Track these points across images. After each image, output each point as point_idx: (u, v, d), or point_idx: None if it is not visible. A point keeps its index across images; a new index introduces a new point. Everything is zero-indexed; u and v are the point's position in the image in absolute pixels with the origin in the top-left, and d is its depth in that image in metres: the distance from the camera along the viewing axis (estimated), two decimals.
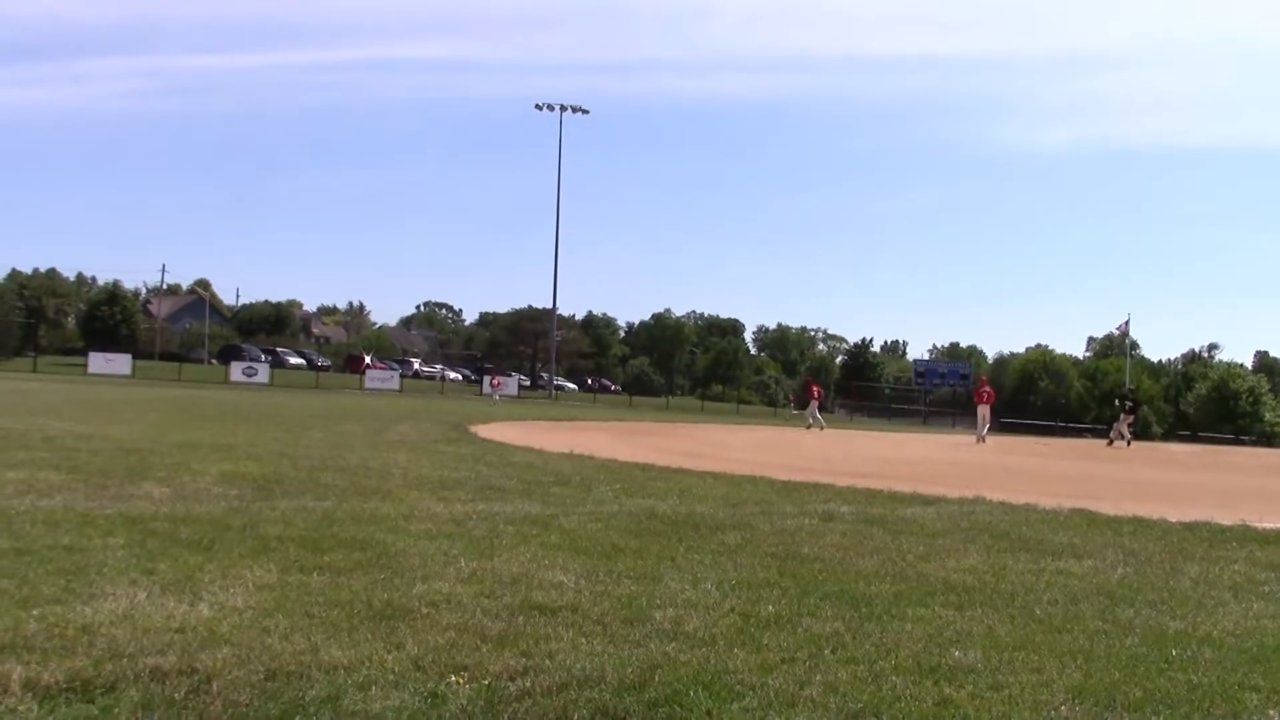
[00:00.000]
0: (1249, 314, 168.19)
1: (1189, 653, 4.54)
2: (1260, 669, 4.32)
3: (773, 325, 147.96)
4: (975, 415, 34.07)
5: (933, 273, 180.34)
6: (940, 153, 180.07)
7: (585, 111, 78.74)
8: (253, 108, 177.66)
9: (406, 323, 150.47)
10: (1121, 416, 35.24)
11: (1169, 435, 77.56)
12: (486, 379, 68.62)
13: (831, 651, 4.34)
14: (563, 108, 77.04)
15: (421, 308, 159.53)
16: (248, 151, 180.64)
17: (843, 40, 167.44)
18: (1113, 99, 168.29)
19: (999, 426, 43.84)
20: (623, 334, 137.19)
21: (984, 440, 31.72)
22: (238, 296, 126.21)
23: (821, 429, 37.49)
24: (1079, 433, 67.94)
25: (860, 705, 3.66)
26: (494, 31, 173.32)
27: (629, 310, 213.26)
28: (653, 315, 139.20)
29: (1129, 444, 33.79)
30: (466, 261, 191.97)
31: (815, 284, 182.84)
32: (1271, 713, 3.73)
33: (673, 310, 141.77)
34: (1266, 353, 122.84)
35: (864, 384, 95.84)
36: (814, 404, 41.29)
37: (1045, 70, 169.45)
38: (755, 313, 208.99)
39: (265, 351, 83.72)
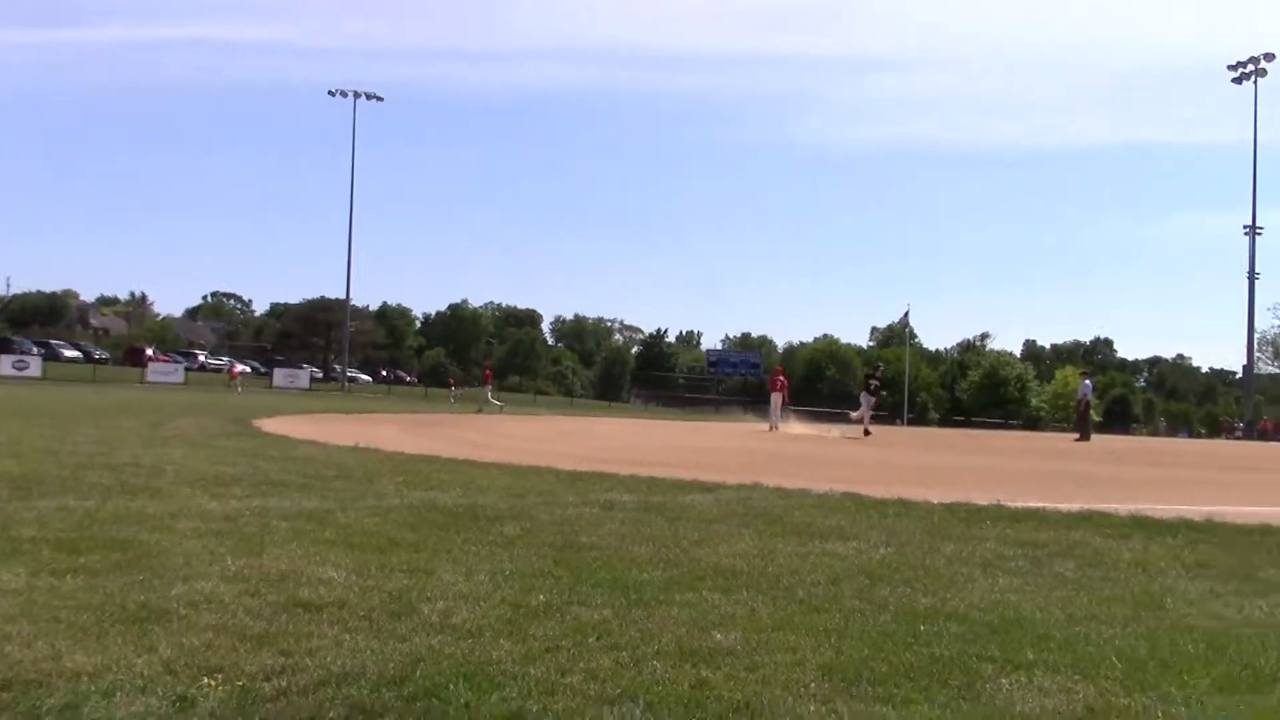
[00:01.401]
0: (1018, 305, 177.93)
1: (936, 627, 4.78)
2: (998, 640, 4.59)
3: (570, 316, 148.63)
4: (768, 404, 34.92)
5: (726, 264, 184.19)
6: (735, 148, 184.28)
7: (379, 99, 77.26)
8: (24, 86, 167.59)
9: (192, 314, 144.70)
10: (864, 397, 31.57)
11: (945, 421, 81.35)
12: (228, 366, 66.86)
13: (596, 639, 4.39)
14: (356, 94, 75.43)
15: (209, 298, 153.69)
16: (21, 132, 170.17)
17: (646, 34, 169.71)
18: (899, 99, 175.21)
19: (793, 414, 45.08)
20: (419, 325, 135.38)
21: (777, 428, 32.62)
22: (8, 286, 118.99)
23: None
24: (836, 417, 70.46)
25: (619, 690, 3.72)
26: (290, 14, 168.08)
27: (425, 301, 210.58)
28: (449, 306, 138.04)
29: (866, 433, 30.31)
30: (256, 251, 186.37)
31: (613, 275, 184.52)
32: (1004, 681, 3.96)
33: (470, 301, 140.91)
34: (1034, 341, 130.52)
35: (659, 374, 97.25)
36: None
37: (838, 70, 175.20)
38: (553, 303, 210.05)
39: (38, 344, 79.24)
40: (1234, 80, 65.07)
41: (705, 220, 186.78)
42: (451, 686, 3.69)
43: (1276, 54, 64.03)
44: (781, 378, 35.96)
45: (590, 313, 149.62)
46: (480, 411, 37.34)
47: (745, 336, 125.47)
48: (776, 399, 34.10)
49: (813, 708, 3.60)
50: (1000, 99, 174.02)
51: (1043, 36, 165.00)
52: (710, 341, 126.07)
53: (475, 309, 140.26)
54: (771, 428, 32.75)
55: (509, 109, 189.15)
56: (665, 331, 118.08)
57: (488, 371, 44.46)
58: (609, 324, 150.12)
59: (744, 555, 6.54)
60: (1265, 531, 7.89)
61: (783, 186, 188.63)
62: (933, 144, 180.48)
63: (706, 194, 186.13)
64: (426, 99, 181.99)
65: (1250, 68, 64.10)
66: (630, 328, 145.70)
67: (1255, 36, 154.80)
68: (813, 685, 3.84)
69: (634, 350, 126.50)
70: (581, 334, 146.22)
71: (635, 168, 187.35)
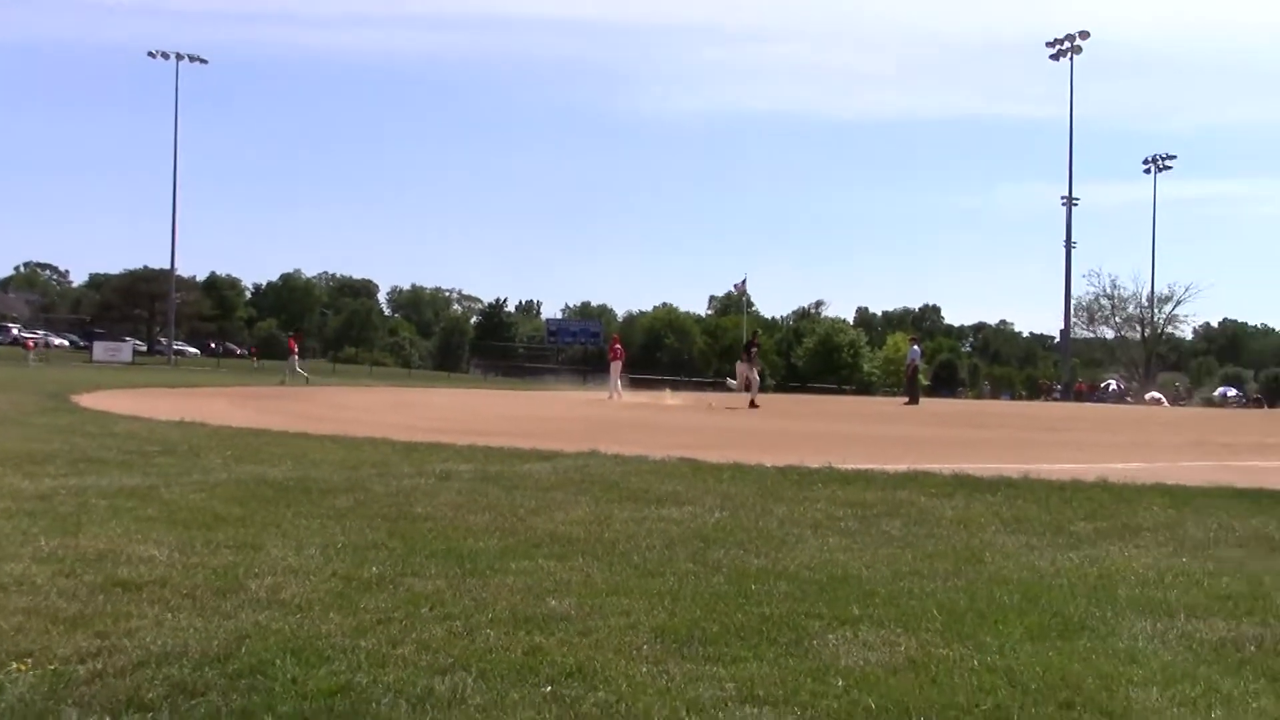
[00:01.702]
0: (851, 273, 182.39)
1: (767, 587, 4.88)
2: (826, 597, 4.71)
3: (407, 286, 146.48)
4: (608, 372, 35.03)
5: (562, 233, 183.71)
6: (573, 115, 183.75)
7: (203, 61, 74.30)
8: None
9: (3, 285, 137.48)
10: (740, 365, 30.09)
11: (781, 387, 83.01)
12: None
13: (429, 610, 4.35)
14: (179, 56, 72.37)
15: (22, 268, 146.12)
16: None
17: (501, 3, 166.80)
18: (734, 69, 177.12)
19: (630, 383, 45.39)
20: (249, 296, 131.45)
21: (620, 396, 32.77)
22: None
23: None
24: (701, 386, 71.50)
25: (451, 660, 3.69)
26: None
27: (256, 271, 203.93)
28: (281, 276, 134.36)
29: (753, 405, 27.92)
30: (73, 220, 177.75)
31: (450, 244, 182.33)
32: (830, 636, 4.07)
33: (303, 271, 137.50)
34: (866, 308, 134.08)
35: (499, 344, 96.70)
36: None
37: (674, 37, 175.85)
38: (389, 273, 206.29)
39: None
40: (1052, 57, 67.65)
41: (543, 189, 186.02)
42: (278, 662, 3.60)
43: (1092, 32, 66.84)
44: (619, 346, 36.16)
45: (428, 283, 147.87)
46: (284, 383, 36.36)
47: (585, 305, 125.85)
48: (616, 367, 34.32)
49: (645, 669, 3.63)
50: (832, 70, 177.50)
51: (873, 9, 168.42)
52: (550, 311, 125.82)
53: (308, 279, 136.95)
54: (610, 396, 32.90)
55: (338, 74, 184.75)
56: (504, 301, 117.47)
57: (292, 341, 43.45)
58: (447, 294, 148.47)
59: (580, 522, 6.56)
60: (1077, 488, 8.27)
61: (620, 155, 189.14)
62: (767, 114, 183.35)
63: (544, 162, 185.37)
64: (254, 63, 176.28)
65: (1067, 45, 66.69)
66: (469, 298, 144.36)
67: (1073, 14, 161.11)
68: (645, 648, 3.87)
69: (473, 320, 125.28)
70: (419, 304, 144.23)
71: (470, 134, 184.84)
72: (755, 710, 3.27)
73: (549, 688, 3.45)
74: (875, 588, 4.92)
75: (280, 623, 4.09)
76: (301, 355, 43.90)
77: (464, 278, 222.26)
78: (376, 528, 6.19)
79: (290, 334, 47.18)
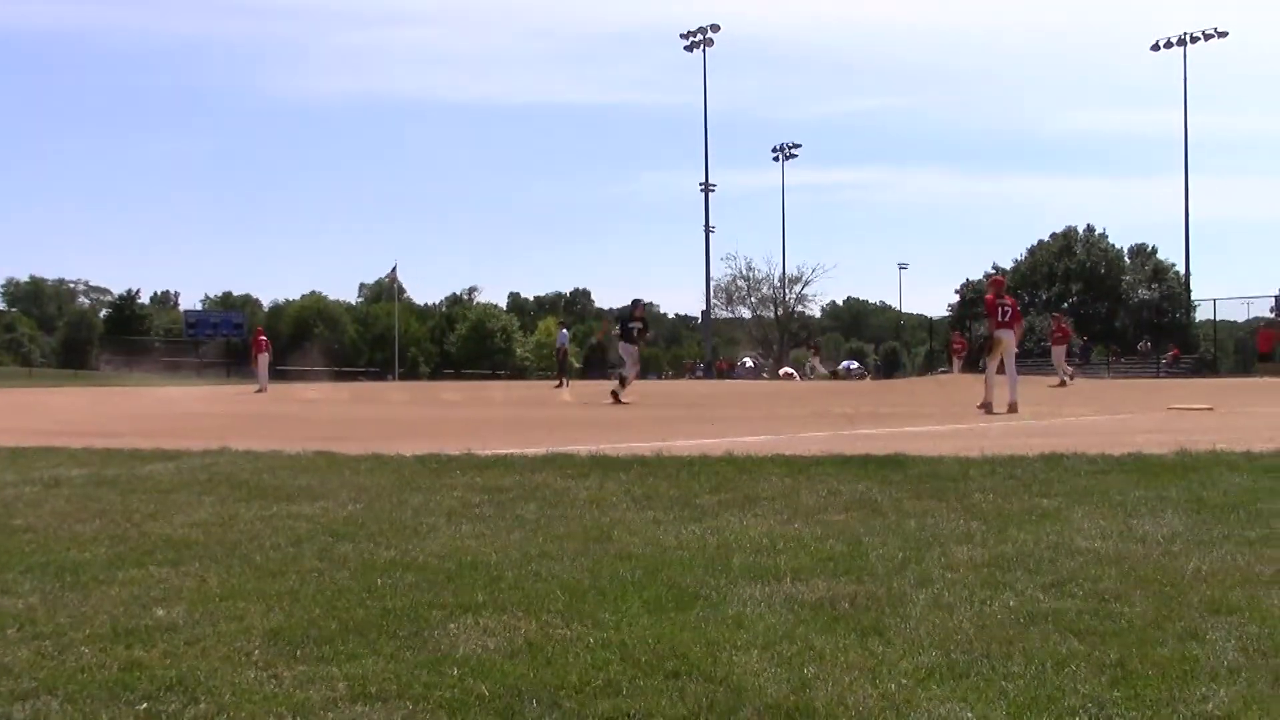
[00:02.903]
0: (503, 259, 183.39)
1: (393, 580, 4.79)
2: (453, 586, 4.68)
3: (25, 278, 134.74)
4: (254, 365, 33.91)
5: (203, 221, 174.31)
6: (207, 96, 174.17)
7: None
8: None
9: None
10: (624, 347, 23.98)
11: (435, 374, 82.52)
12: None
13: (17, 630, 3.99)
14: None
15: None
16: None
17: None
18: (382, 52, 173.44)
19: (275, 375, 43.81)
20: None
21: (265, 390, 31.79)
22: None
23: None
24: (354, 376, 69.97)
25: (35, 683, 3.40)
26: None
27: None
28: None
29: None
30: None
31: (73, 232, 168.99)
32: (451, 625, 4.04)
33: None
34: (519, 293, 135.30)
35: (132, 338, 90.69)
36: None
37: (313, 21, 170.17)
38: (2, 264, 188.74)
39: None
40: (686, 48, 70.50)
41: (178, 174, 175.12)
42: None
43: (722, 25, 70.12)
44: (264, 338, 34.96)
45: (49, 274, 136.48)
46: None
47: (227, 296, 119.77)
48: (264, 359, 33.23)
49: (253, 675, 3.48)
50: (475, 56, 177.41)
51: None
52: (189, 302, 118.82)
53: None
54: (260, 389, 31.82)
55: None
56: (138, 292, 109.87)
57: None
58: (71, 285, 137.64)
59: (202, 524, 6.23)
60: (704, 462, 8.64)
61: (260, 139, 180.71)
62: (412, 98, 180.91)
63: (178, 146, 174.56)
64: None
65: (700, 37, 69.68)
66: (97, 289, 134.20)
67: (705, 6, 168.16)
68: (256, 653, 3.71)
69: (102, 314, 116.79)
70: (40, 297, 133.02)
71: (92, 114, 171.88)
72: (366, 708, 3.20)
73: (145, 704, 3.24)
74: (503, 572, 4.94)
75: None
76: None
77: (90, 268, 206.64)
78: None
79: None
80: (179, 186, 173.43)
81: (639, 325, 22.75)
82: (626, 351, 22.71)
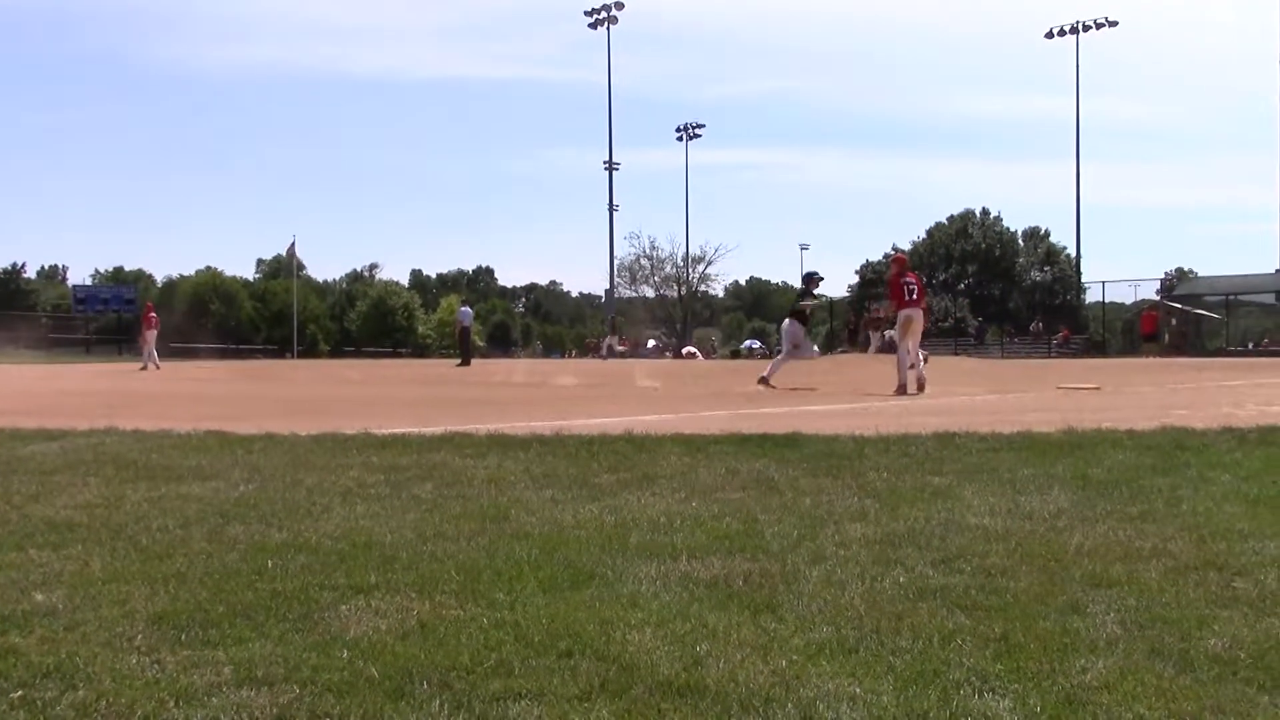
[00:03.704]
0: (404, 235, 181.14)
1: (284, 561, 4.70)
2: (345, 567, 4.61)
3: None
4: (142, 342, 33.30)
5: (94, 193, 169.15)
6: (91, 64, 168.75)
7: None
8: None
9: None
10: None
11: (335, 352, 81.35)
12: None
13: None
14: None
15: None
16: None
17: None
18: (278, 22, 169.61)
19: (169, 351, 42.87)
20: None
21: (158, 367, 31.14)
22: None
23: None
24: (250, 354, 68.70)
25: None
26: None
27: None
28: None
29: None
30: None
31: None
32: (343, 607, 3.98)
33: None
34: (421, 270, 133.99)
35: (18, 313, 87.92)
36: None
37: None
38: None
39: None
40: (590, 25, 70.29)
41: (65, 145, 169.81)
42: None
43: (626, 3, 69.97)
44: (153, 314, 34.23)
45: None
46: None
47: (118, 270, 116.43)
48: (151, 336, 32.53)
49: (135, 660, 3.39)
50: (373, 28, 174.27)
51: None
52: (78, 277, 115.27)
53: None
54: (144, 367, 31.13)
55: None
56: (23, 266, 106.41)
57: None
58: None
59: (86, 506, 6.05)
60: (603, 440, 8.64)
61: (151, 109, 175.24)
62: (307, 71, 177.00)
63: (64, 116, 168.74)
64: None
65: (604, 15, 69.52)
66: None
67: None
68: (139, 638, 3.61)
69: None
70: None
71: None
72: (252, 692, 3.13)
73: (20, 692, 3.14)
74: (397, 553, 4.88)
75: None
76: None
77: None
78: None
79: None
80: (67, 157, 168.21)
81: (812, 303, 20.72)
82: (796, 334, 19.59)
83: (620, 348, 50.31)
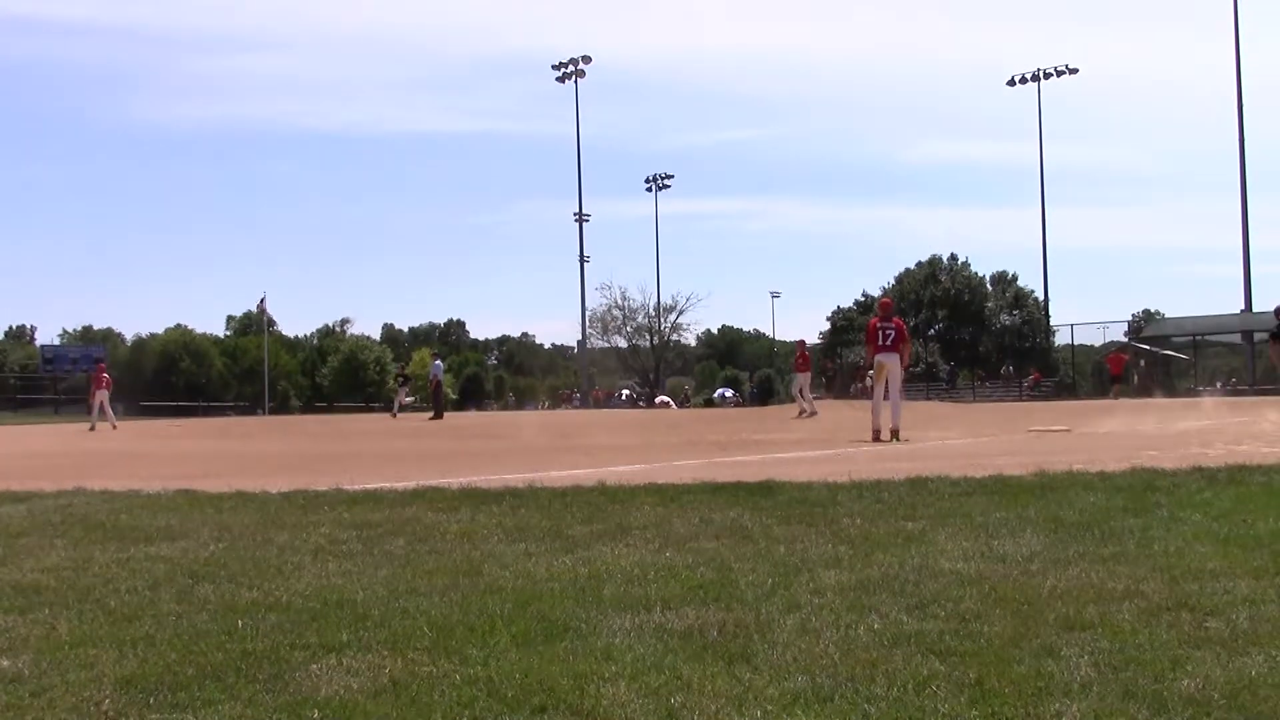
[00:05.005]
0: (375, 289, 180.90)
1: (255, 621, 4.65)
2: (317, 626, 4.56)
3: None
4: (93, 401, 33.33)
5: (61, 251, 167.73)
6: (59, 122, 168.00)
7: None
8: None
9: None
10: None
11: (307, 408, 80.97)
12: None
13: None
14: None
15: None
16: None
17: None
18: (241, 79, 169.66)
19: (139, 410, 42.65)
20: None
21: (114, 426, 31.02)
22: None
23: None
24: (222, 411, 68.29)
25: None
26: None
27: None
28: None
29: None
30: None
31: None
32: (314, 666, 3.93)
33: None
34: (392, 324, 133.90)
35: None
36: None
37: (171, 45, 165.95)
38: None
39: None
40: (558, 79, 70.86)
41: (29, 203, 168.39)
42: None
43: (594, 57, 70.66)
44: (104, 375, 34.29)
45: None
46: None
47: (87, 330, 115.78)
48: (102, 395, 32.55)
49: None
50: (337, 83, 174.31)
51: (380, 22, 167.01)
52: (46, 336, 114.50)
53: None
54: (91, 427, 31.05)
55: None
56: None
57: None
58: None
59: (53, 569, 5.98)
60: (577, 492, 8.62)
61: (119, 167, 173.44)
62: (276, 127, 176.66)
63: (29, 174, 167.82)
64: None
65: (571, 68, 70.13)
66: None
67: (575, 38, 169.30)
68: (107, 702, 3.56)
69: None
70: None
71: None
72: None
73: None
74: (369, 610, 4.84)
75: None
76: None
77: None
78: None
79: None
80: (33, 216, 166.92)
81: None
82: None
83: (406, 399, 46.74)
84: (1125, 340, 56.74)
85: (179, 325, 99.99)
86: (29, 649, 4.26)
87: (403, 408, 41.96)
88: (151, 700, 3.59)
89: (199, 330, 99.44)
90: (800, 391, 29.46)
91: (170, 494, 9.18)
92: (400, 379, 47.85)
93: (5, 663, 4.05)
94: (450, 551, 6.34)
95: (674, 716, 3.36)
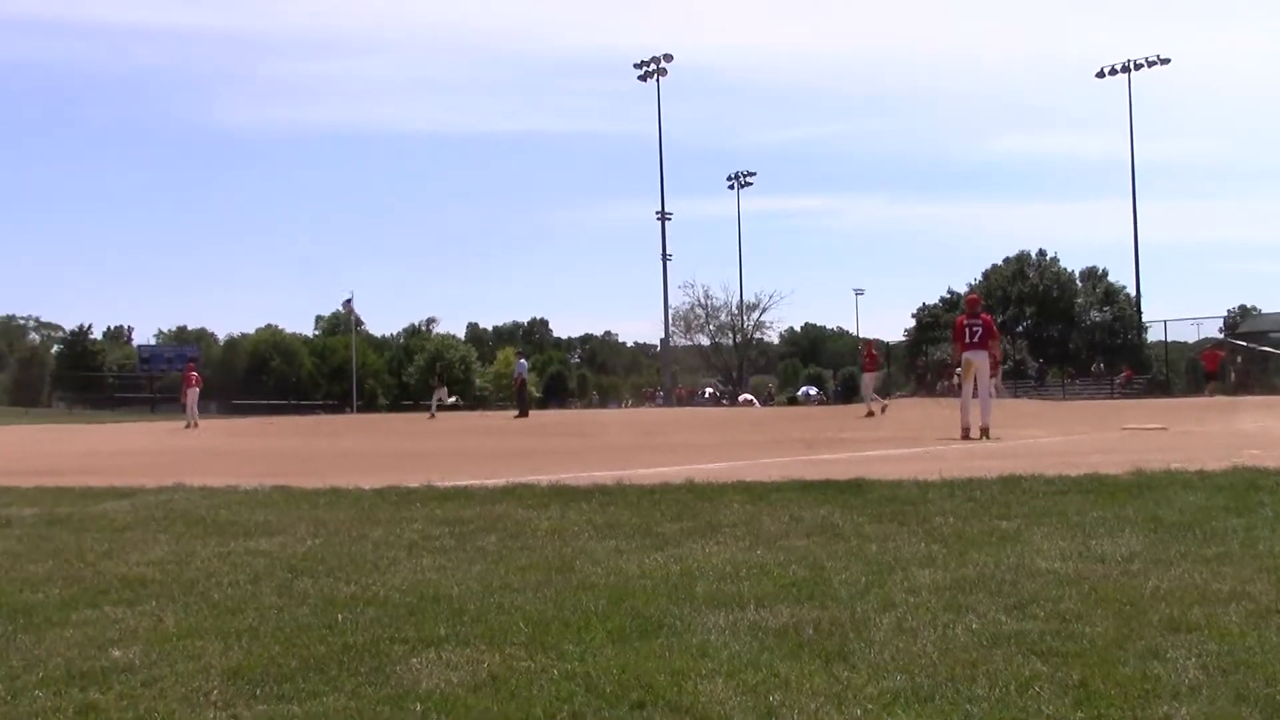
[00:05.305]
0: (461, 289, 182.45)
1: (354, 615, 4.74)
2: (414, 620, 4.63)
3: None
4: (185, 400, 34.44)
5: (155, 254, 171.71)
6: (155, 127, 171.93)
7: None
8: None
9: None
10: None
11: (394, 406, 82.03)
12: None
13: None
14: None
15: None
16: None
17: (53, 5, 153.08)
18: (337, 83, 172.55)
19: (232, 409, 43.58)
20: None
21: (196, 425, 31.92)
22: None
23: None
24: (311, 410, 69.46)
25: None
26: None
27: None
28: None
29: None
30: None
31: (21, 267, 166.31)
32: (414, 660, 4.00)
33: None
34: (477, 324, 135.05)
35: (85, 374, 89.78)
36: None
37: (269, 50, 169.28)
38: None
39: None
40: (639, 78, 70.89)
41: (129, 207, 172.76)
42: None
43: (675, 55, 70.58)
44: (194, 372, 35.20)
45: None
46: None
47: (181, 330, 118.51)
48: (193, 394, 33.47)
49: (212, 715, 3.43)
50: (429, 84, 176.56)
51: (469, 25, 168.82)
52: (143, 337, 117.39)
53: None
54: (189, 425, 31.87)
55: None
56: (90, 328, 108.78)
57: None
58: (21, 322, 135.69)
59: (157, 562, 6.14)
60: (665, 490, 8.62)
61: (212, 170, 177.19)
62: (366, 128, 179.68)
63: (126, 178, 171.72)
64: None
65: (653, 66, 70.12)
66: (48, 325, 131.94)
67: (657, 37, 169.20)
68: (215, 693, 3.65)
69: (54, 350, 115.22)
70: None
71: (42, 147, 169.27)
72: None
73: None
74: (465, 605, 4.90)
75: None
76: None
77: (41, 304, 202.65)
78: None
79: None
80: (131, 219, 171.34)
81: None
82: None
83: (447, 400, 45.46)
84: (1220, 336, 55.24)
85: (269, 325, 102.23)
86: (138, 640, 4.38)
87: (441, 405, 40.80)
88: (258, 691, 3.67)
89: (288, 330, 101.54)
90: (871, 391, 29.14)
91: (267, 490, 9.37)
92: (438, 378, 46.64)
93: (117, 653, 4.17)
94: (542, 548, 6.39)
95: (773, 714, 3.35)
